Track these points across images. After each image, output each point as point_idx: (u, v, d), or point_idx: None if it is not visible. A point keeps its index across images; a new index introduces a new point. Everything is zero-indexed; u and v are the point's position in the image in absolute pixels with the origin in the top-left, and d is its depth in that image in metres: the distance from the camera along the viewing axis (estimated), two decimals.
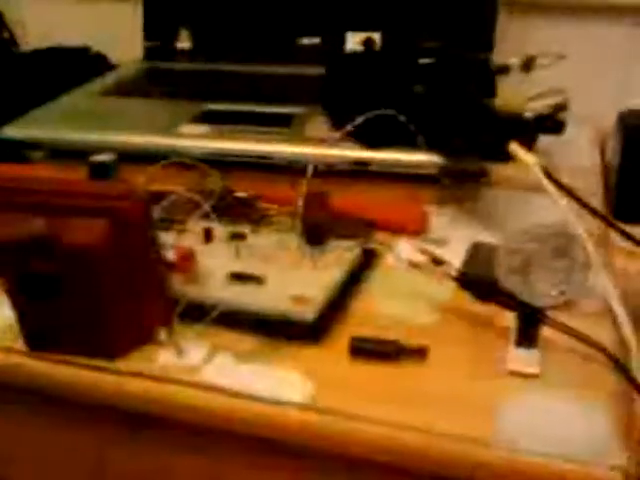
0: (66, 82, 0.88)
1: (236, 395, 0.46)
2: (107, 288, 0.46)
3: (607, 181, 0.73)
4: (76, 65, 0.97)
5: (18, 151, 0.76)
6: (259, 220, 0.59)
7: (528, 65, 0.72)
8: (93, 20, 1.08)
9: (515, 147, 0.56)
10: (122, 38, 0.99)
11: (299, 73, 0.89)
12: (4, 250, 0.46)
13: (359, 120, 0.61)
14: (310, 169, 0.55)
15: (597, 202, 0.65)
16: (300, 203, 0.55)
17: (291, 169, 0.66)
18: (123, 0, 1.05)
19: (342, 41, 0.90)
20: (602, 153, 0.80)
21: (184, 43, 0.96)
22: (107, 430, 0.51)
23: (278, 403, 0.45)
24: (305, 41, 0.92)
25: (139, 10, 0.98)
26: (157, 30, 0.98)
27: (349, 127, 0.61)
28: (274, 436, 0.45)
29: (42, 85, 0.89)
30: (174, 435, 0.49)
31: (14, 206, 0.46)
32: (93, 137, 0.72)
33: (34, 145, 0.75)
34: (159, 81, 0.92)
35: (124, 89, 0.88)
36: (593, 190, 0.68)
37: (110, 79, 0.91)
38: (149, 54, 0.98)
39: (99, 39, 1.01)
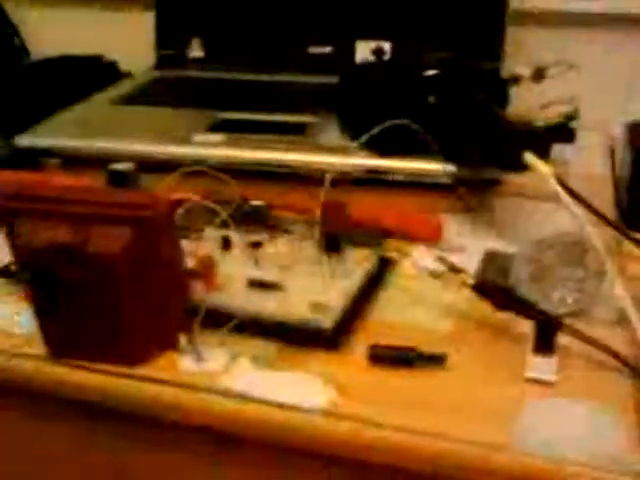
0: (79, 91, 0.89)
1: (256, 401, 0.46)
2: (130, 295, 0.47)
3: (618, 189, 0.73)
4: (89, 74, 0.98)
5: (33, 159, 0.77)
6: (276, 228, 0.60)
7: (539, 75, 0.73)
8: (105, 29, 1.08)
9: (530, 157, 0.57)
10: (133, 47, 1.00)
11: (311, 82, 0.90)
12: (29, 257, 0.47)
13: (375, 130, 0.61)
14: (328, 178, 0.56)
15: (609, 210, 0.65)
16: (318, 212, 0.56)
17: (306, 177, 0.67)
18: (135, 9, 1.06)
19: (352, 50, 0.91)
20: (612, 161, 0.81)
21: (196, 52, 0.97)
22: (127, 435, 0.52)
23: (298, 409, 0.45)
24: (316, 50, 0.93)
25: (151, 19, 0.99)
26: (170, 39, 0.98)
27: (365, 136, 0.62)
28: (294, 442, 0.46)
29: (55, 94, 0.90)
30: (194, 441, 0.50)
31: (39, 214, 0.46)
32: (108, 145, 0.73)
33: (49, 153, 0.76)
34: (172, 90, 0.93)
35: (137, 98, 0.88)
36: (605, 198, 0.69)
37: (123, 88, 0.92)
38: (162, 63, 0.99)
39: (111, 48, 1.02)
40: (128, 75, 1.00)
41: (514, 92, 0.72)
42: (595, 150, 0.81)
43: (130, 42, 1.01)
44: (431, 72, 0.68)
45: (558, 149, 0.70)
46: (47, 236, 0.46)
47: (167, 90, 0.93)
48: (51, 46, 1.07)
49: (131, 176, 0.56)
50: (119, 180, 0.54)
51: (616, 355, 0.47)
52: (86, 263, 0.46)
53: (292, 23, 0.95)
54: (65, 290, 0.47)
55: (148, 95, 0.90)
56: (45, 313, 0.49)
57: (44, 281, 0.47)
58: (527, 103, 0.72)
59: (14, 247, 0.47)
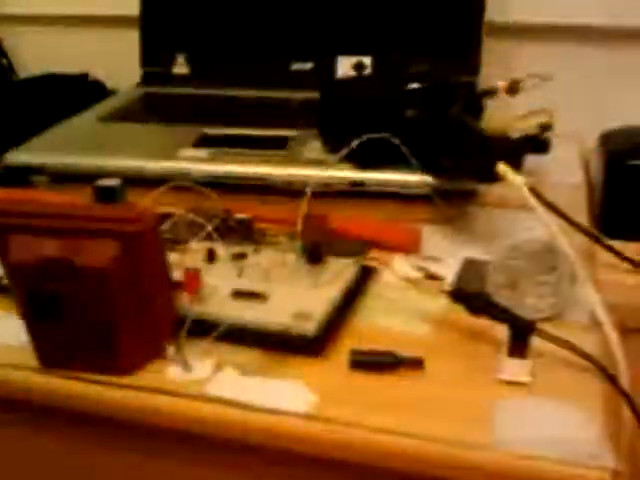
0: (65, 108, 0.91)
1: (242, 407, 0.48)
2: (118, 307, 0.48)
3: (591, 197, 0.75)
4: (75, 91, 1.00)
5: (22, 176, 0.78)
6: (260, 240, 0.62)
7: (514, 88, 0.75)
8: (90, 47, 1.10)
9: (503, 168, 0.59)
10: (119, 64, 1.02)
11: (293, 97, 0.92)
12: (19, 272, 0.49)
13: (355, 143, 0.63)
14: (309, 191, 0.57)
15: (582, 218, 0.67)
16: (300, 224, 0.58)
17: (289, 191, 0.68)
18: (120, 27, 1.08)
19: (334, 65, 0.93)
20: (586, 170, 0.83)
21: (181, 69, 0.99)
22: (117, 443, 0.53)
23: (282, 414, 0.47)
24: (298, 66, 0.95)
25: (136, 37, 1.00)
26: (154, 56, 1.00)
27: (345, 150, 0.64)
28: (279, 445, 0.47)
29: (41, 112, 0.91)
30: (182, 447, 0.51)
31: (28, 229, 0.48)
32: (96, 162, 0.74)
33: (38, 170, 0.77)
34: (157, 106, 0.95)
35: (123, 115, 0.90)
36: (578, 206, 0.71)
37: (109, 105, 0.94)
38: (146, 80, 1.00)
39: (96, 65, 1.04)
40: (114, 92, 1.02)
41: (490, 104, 0.74)
42: (569, 160, 0.83)
43: (115, 60, 1.03)
44: (409, 86, 0.70)
45: (533, 159, 0.72)
46: (37, 251, 0.48)
47: (152, 106, 0.95)
48: (37, 64, 1.09)
49: (118, 191, 0.57)
50: (106, 196, 0.56)
51: (588, 357, 0.49)
52: (76, 276, 0.47)
53: (274, 40, 0.97)
54: (54, 303, 0.48)
55: (134, 112, 0.92)
56: (36, 325, 0.50)
57: (35, 295, 0.49)
58: (503, 115, 0.74)
59: (5, 262, 0.49)
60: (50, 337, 0.50)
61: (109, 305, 0.48)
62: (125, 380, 0.50)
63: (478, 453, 0.44)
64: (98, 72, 1.05)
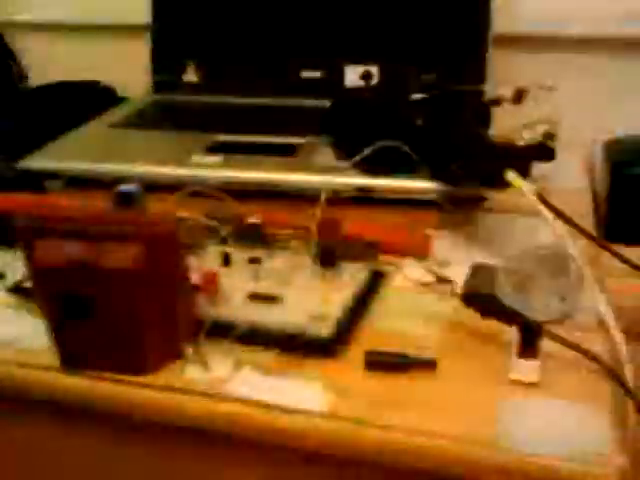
0: (77, 116, 0.92)
1: (260, 406, 0.49)
2: (140, 308, 0.50)
3: (596, 204, 0.77)
4: (86, 99, 1.01)
5: (36, 181, 0.80)
6: (274, 245, 0.63)
7: (519, 96, 0.77)
8: (101, 55, 1.12)
9: (512, 175, 0.60)
10: (129, 72, 1.03)
11: (301, 105, 0.94)
12: (44, 274, 0.50)
13: (367, 151, 0.65)
14: (323, 196, 0.59)
15: (587, 224, 0.69)
16: (313, 228, 0.59)
17: (300, 196, 0.70)
18: (131, 35, 1.09)
19: (342, 74, 0.95)
20: (591, 177, 0.84)
21: (191, 77, 1.00)
22: (135, 442, 0.55)
23: (299, 412, 0.48)
24: (307, 74, 0.97)
25: (147, 45, 1.02)
26: (165, 64, 1.02)
27: (356, 157, 0.66)
28: (296, 444, 0.49)
29: (54, 119, 0.93)
30: (201, 446, 0.53)
31: (55, 233, 0.49)
32: (111, 168, 0.76)
33: (52, 175, 0.79)
34: (168, 114, 0.97)
35: (136, 121, 0.92)
36: (584, 212, 0.72)
37: (122, 112, 0.95)
38: (157, 87, 1.02)
39: (107, 73, 1.06)
40: (124, 100, 1.03)
41: (496, 113, 0.76)
42: (574, 167, 0.85)
43: (125, 68, 1.05)
44: (418, 96, 0.71)
45: (539, 166, 0.74)
46: (62, 254, 0.49)
47: (163, 114, 0.97)
48: (49, 72, 1.10)
49: (137, 196, 0.59)
50: (126, 200, 0.58)
51: (595, 358, 0.50)
52: (100, 278, 0.49)
53: (284, 49, 0.98)
54: (78, 305, 0.50)
55: (146, 119, 0.94)
56: (60, 327, 0.52)
57: (59, 297, 0.50)
58: (509, 123, 0.76)
59: (31, 265, 0.50)
60: (73, 338, 0.52)
61: (131, 305, 0.50)
62: (145, 379, 0.51)
63: (487, 451, 0.45)
64: (108, 80, 1.06)
